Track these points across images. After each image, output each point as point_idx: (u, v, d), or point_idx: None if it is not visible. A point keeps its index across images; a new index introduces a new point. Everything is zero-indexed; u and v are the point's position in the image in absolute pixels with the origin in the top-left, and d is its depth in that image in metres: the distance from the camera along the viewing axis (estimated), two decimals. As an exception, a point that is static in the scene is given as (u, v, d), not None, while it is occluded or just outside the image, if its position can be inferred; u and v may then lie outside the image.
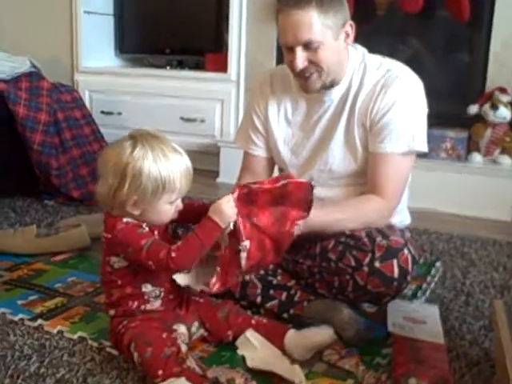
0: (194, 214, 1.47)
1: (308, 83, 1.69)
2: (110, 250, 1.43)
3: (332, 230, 1.65)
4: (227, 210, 1.38)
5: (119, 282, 1.45)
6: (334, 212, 1.67)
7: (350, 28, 1.66)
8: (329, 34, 1.61)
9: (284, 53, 1.69)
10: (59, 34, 4.05)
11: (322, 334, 1.48)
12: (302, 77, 1.69)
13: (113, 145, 1.41)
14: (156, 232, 1.44)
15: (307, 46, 1.61)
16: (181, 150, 1.42)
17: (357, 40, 1.76)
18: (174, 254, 1.34)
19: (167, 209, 1.41)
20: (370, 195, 1.69)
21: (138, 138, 1.38)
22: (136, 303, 1.46)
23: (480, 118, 3.06)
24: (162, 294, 1.47)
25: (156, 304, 1.47)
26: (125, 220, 1.40)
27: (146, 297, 1.46)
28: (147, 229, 1.40)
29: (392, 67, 1.72)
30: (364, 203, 1.70)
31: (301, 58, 1.63)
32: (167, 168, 1.36)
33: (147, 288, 1.45)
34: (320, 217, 1.60)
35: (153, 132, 1.42)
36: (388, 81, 1.68)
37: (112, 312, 1.48)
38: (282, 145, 1.84)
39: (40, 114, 2.84)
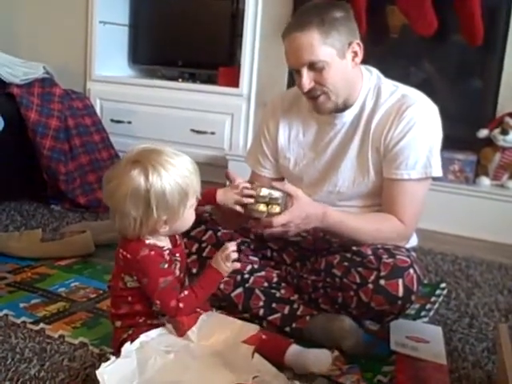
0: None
1: (318, 104, 1.70)
2: (126, 268, 1.42)
3: (346, 235, 1.66)
4: (227, 263, 1.43)
5: (129, 299, 1.44)
6: (355, 219, 1.68)
7: (357, 47, 1.66)
8: (333, 53, 1.61)
9: (294, 75, 1.70)
10: (74, 43, 4.08)
11: (319, 362, 1.45)
12: (311, 98, 1.69)
13: (117, 177, 1.35)
14: (178, 255, 1.46)
15: (312, 66, 1.62)
16: (178, 152, 1.42)
17: (369, 62, 1.76)
18: (181, 305, 1.39)
19: (190, 215, 1.44)
20: (390, 215, 1.69)
21: (142, 160, 1.35)
22: (143, 318, 1.45)
23: (489, 142, 3.06)
24: None
25: (163, 319, 1.46)
26: (147, 242, 1.40)
27: (154, 314, 1.45)
28: (166, 265, 1.41)
29: (408, 93, 1.72)
30: (384, 221, 1.70)
31: (307, 79, 1.63)
32: (181, 176, 1.37)
33: (157, 307, 1.43)
34: (341, 218, 1.63)
35: (149, 147, 1.40)
36: (404, 106, 1.68)
37: (118, 323, 1.47)
38: (293, 165, 1.85)
39: (51, 120, 2.87)
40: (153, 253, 1.39)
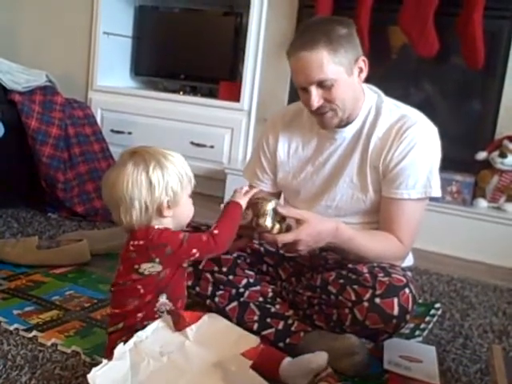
0: None
1: (324, 120, 1.70)
2: (141, 256, 1.42)
3: (354, 252, 1.66)
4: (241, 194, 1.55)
5: (142, 291, 1.43)
6: (363, 237, 1.68)
7: (363, 63, 1.67)
8: (341, 70, 1.62)
9: (299, 93, 1.71)
10: (77, 52, 4.10)
11: (316, 358, 1.45)
12: (318, 114, 1.70)
13: (116, 170, 1.44)
14: None
15: (321, 84, 1.63)
16: None
17: (370, 82, 1.78)
18: (216, 231, 1.45)
19: (189, 203, 1.50)
20: (390, 234, 1.70)
21: (139, 151, 1.45)
22: (144, 314, 1.44)
23: (487, 165, 3.07)
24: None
25: (163, 315, 1.45)
26: (156, 227, 1.44)
27: (155, 309, 1.45)
28: None
29: (408, 113, 1.73)
30: (387, 240, 1.70)
31: (316, 97, 1.64)
32: (177, 161, 1.46)
33: (162, 298, 1.45)
34: (352, 235, 1.63)
35: (145, 146, 1.51)
36: (404, 127, 1.69)
37: (120, 325, 1.45)
38: (291, 179, 1.85)
39: (51, 128, 2.87)
40: (162, 227, 1.44)
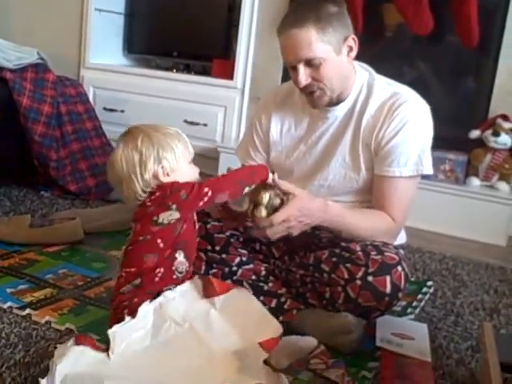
0: None
1: (313, 99, 1.70)
2: (159, 207, 1.44)
3: (342, 230, 1.66)
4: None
5: (161, 245, 1.43)
6: (354, 215, 1.67)
7: (352, 42, 1.66)
8: (330, 49, 1.61)
9: (289, 71, 1.70)
10: (69, 29, 4.06)
11: (305, 340, 1.45)
12: (306, 93, 1.70)
13: (111, 156, 1.49)
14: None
15: (309, 62, 1.62)
16: None
17: (364, 60, 1.77)
18: (226, 173, 1.51)
19: (191, 169, 1.52)
20: (382, 212, 1.70)
21: (128, 132, 1.50)
22: (162, 273, 1.43)
23: (480, 143, 3.07)
24: (184, 273, 1.47)
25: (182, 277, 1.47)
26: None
27: (173, 267, 1.45)
28: None
29: (400, 90, 1.72)
30: (378, 218, 1.70)
31: (303, 75, 1.63)
32: (169, 129, 1.51)
33: (180, 256, 1.45)
34: (341, 213, 1.64)
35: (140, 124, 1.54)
36: (396, 104, 1.68)
37: (138, 281, 1.43)
38: (284, 158, 1.85)
39: (43, 106, 2.85)
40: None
